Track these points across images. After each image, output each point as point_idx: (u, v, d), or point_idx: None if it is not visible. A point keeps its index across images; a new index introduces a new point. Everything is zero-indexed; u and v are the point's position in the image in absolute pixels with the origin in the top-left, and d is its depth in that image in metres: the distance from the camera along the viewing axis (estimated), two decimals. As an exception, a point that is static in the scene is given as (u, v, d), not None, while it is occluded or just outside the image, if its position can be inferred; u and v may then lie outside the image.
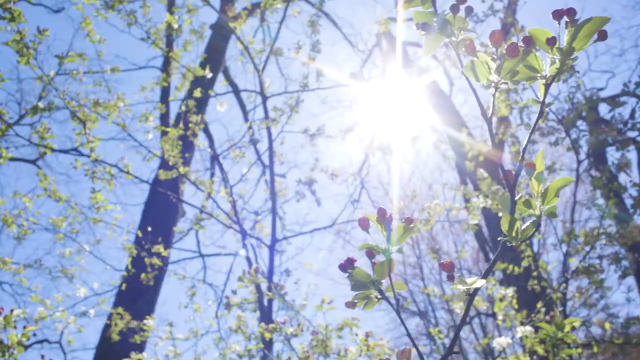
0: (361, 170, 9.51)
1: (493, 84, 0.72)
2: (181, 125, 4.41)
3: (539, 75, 0.70)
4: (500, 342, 3.78)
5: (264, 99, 4.52)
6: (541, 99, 0.70)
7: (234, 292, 2.62)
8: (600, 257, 3.79)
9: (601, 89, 9.46)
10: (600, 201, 3.18)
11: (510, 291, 3.69)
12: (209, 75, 4.56)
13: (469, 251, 14.02)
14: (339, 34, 10.76)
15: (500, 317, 3.98)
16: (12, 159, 10.40)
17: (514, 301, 4.42)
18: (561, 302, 3.66)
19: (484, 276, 0.84)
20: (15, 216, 4.83)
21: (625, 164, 2.84)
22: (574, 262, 3.80)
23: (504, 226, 0.77)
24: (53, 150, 3.72)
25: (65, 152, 9.39)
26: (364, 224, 0.95)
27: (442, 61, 7.57)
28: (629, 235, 2.90)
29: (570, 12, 0.67)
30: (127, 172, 3.82)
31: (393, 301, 0.97)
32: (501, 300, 3.99)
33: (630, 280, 9.25)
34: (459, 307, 4.80)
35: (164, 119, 6.99)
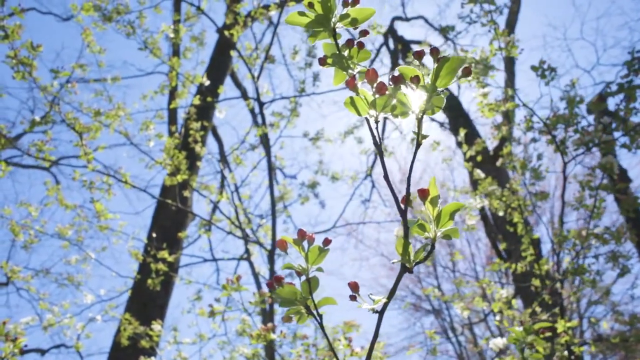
0: (370, 170, 9.54)
1: (373, 117, 0.76)
2: (177, 134, 4.47)
3: (410, 110, 0.74)
4: (496, 343, 3.79)
5: (261, 105, 4.58)
6: (417, 132, 0.74)
7: (217, 300, 2.67)
8: (596, 256, 3.78)
9: (610, 83, 9.33)
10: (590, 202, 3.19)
11: (504, 292, 3.70)
12: (207, 82, 4.62)
13: (483, 248, 13.98)
14: (346, 34, 10.79)
15: (498, 317, 4.00)
16: (26, 166, 10.59)
17: (513, 301, 4.42)
18: (556, 302, 3.66)
19: (389, 297, 0.88)
20: (23, 225, 4.94)
21: (611, 164, 2.84)
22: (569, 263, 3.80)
23: (398, 249, 0.81)
24: (52, 162, 3.79)
25: (77, 158, 9.53)
26: (281, 245, 0.99)
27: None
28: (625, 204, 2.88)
29: (433, 52, 0.70)
30: (125, 182, 3.89)
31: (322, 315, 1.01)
32: (498, 300, 4.01)
33: (633, 277, 9.17)
34: (459, 308, 4.82)
35: (171, 125, 7.08)
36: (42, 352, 10.07)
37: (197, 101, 4.70)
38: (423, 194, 0.78)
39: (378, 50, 10.90)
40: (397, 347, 12.82)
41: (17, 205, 5.01)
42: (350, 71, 0.80)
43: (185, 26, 5.25)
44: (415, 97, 0.71)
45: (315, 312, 1.00)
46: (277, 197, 6.79)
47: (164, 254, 5.29)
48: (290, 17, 0.85)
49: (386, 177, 0.80)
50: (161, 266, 5.36)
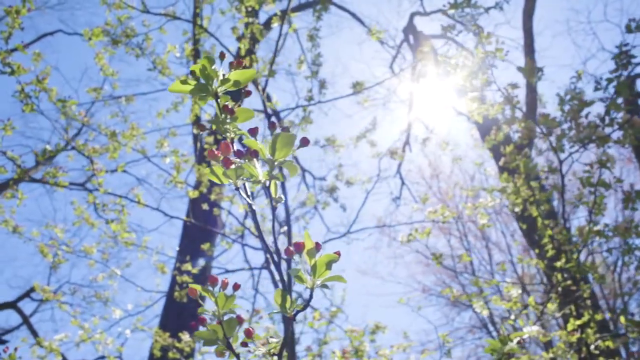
0: (400, 167, 9.53)
1: (232, 184, 0.81)
2: (184, 152, 4.59)
3: (258, 179, 0.79)
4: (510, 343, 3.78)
5: (268, 116, 4.65)
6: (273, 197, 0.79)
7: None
8: (609, 250, 3.74)
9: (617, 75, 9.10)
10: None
11: (515, 292, 3.69)
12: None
13: (519, 239, 13.77)
14: (365, 32, 10.75)
15: (512, 316, 3.98)
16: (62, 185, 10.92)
17: (531, 299, 4.39)
18: (569, 300, 3.63)
19: (284, 343, 0.93)
20: (50, 246, 5.13)
21: (607, 160, 2.81)
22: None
23: (277, 300, 0.86)
24: (66, 187, 3.95)
25: (110, 173, 9.79)
26: (192, 293, 1.05)
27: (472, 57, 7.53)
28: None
29: (272, 126, 0.75)
30: (138, 202, 4.01)
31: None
32: (510, 300, 3.99)
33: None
34: (478, 307, 4.81)
35: (194, 140, 7.24)
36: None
37: (208, 116, 4.81)
38: (299, 247, 0.83)
39: (399, 47, 10.85)
40: (436, 344, 12.74)
41: (44, 227, 5.21)
42: (228, 134, 0.85)
43: (185, 46, 5.38)
44: (260, 168, 0.76)
45: (233, 351, 1.05)
46: (300, 202, 6.87)
47: (188, 266, 5.44)
48: (174, 86, 0.90)
49: (260, 235, 0.85)
50: (186, 278, 5.51)
